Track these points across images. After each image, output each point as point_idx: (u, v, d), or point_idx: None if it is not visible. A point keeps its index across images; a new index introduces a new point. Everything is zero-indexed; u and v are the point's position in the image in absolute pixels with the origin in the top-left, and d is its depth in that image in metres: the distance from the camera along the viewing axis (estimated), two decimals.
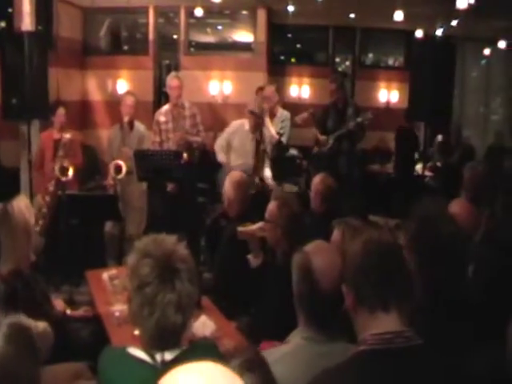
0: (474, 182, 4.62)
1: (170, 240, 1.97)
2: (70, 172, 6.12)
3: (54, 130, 6.44)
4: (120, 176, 6.37)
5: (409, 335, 1.76)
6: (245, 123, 6.50)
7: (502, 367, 1.95)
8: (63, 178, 6.09)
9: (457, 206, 3.74)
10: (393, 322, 1.77)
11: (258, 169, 6.36)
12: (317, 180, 4.87)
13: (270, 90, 7.03)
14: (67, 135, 6.23)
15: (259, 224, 3.82)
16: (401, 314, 1.78)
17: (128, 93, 7.04)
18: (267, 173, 6.45)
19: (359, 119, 7.14)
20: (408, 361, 1.72)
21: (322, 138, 7.04)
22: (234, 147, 6.54)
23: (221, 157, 6.64)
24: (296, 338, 2.27)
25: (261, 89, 7.74)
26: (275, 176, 6.58)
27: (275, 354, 2.17)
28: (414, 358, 1.73)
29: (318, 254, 2.30)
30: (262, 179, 6.39)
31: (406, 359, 1.72)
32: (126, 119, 6.59)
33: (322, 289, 2.21)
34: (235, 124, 6.64)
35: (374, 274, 1.79)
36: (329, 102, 7.60)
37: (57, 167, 6.13)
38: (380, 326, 1.77)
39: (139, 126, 6.81)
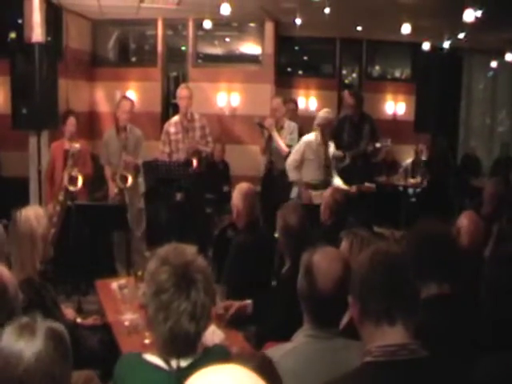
0: (495, 198, 4.66)
1: (190, 250, 2.01)
2: (80, 182, 6.16)
3: (65, 139, 6.47)
4: (126, 185, 6.38)
5: (413, 348, 1.76)
6: (316, 136, 6.46)
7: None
8: (72, 188, 6.13)
9: (466, 220, 3.76)
10: (398, 334, 1.78)
11: (327, 180, 6.33)
12: (327, 193, 4.97)
13: (276, 102, 7.05)
14: (76, 145, 6.26)
15: None
16: (406, 326, 1.79)
17: (124, 98, 6.99)
18: (337, 182, 6.42)
19: (378, 145, 7.19)
20: (412, 373, 1.73)
21: (338, 153, 6.98)
22: (307, 161, 6.47)
23: (293, 175, 6.53)
24: (299, 337, 2.36)
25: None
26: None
27: (279, 352, 2.24)
28: (417, 371, 1.74)
29: (321, 255, 2.40)
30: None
31: (409, 372, 1.73)
32: (122, 124, 6.58)
33: (320, 288, 2.30)
34: (305, 138, 6.57)
35: (380, 286, 1.80)
36: (342, 115, 7.64)
37: (66, 177, 6.17)
38: (385, 338, 1.78)
39: (135, 130, 6.76)
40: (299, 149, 6.52)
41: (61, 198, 6.09)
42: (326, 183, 6.25)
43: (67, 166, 6.20)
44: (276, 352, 2.22)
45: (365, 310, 1.83)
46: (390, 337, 1.78)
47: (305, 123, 7.84)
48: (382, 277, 1.81)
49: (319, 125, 6.48)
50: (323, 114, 6.53)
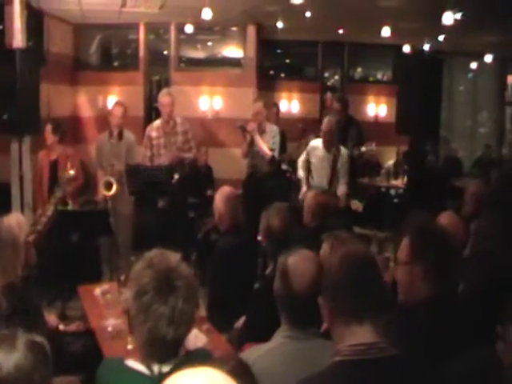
0: (477, 198, 4.72)
1: (174, 257, 2.04)
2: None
3: (51, 150, 6.46)
4: (110, 193, 6.38)
5: (382, 346, 1.80)
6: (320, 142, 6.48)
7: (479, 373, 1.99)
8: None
9: (445, 219, 3.80)
10: (367, 333, 1.81)
11: (332, 186, 6.32)
12: (309, 196, 4.99)
13: (258, 106, 7.03)
14: (71, 172, 6.17)
15: None
16: (375, 326, 1.83)
17: (117, 103, 6.97)
18: (341, 190, 6.39)
19: (363, 149, 7.22)
20: (381, 371, 1.77)
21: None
22: (312, 164, 6.54)
23: (299, 173, 6.68)
24: (277, 338, 2.40)
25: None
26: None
27: (256, 353, 2.29)
28: (387, 369, 1.78)
29: (296, 257, 2.46)
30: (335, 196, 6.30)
31: (378, 370, 1.77)
32: (115, 130, 6.60)
33: (295, 289, 2.35)
34: (312, 142, 6.63)
35: (349, 287, 1.84)
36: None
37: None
38: (355, 337, 1.81)
39: (128, 134, 6.77)
40: (306, 149, 6.68)
41: (53, 201, 6.03)
42: (330, 192, 6.23)
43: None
44: (253, 353, 2.26)
45: (335, 311, 1.88)
46: (359, 336, 1.81)
47: (287, 126, 7.88)
48: (350, 278, 1.85)
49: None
50: (324, 121, 6.52)
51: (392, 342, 1.82)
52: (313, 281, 2.35)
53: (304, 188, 6.54)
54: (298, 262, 2.44)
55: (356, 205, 6.37)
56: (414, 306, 2.46)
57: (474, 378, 1.96)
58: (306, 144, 7.01)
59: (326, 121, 6.47)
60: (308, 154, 6.60)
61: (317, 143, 6.52)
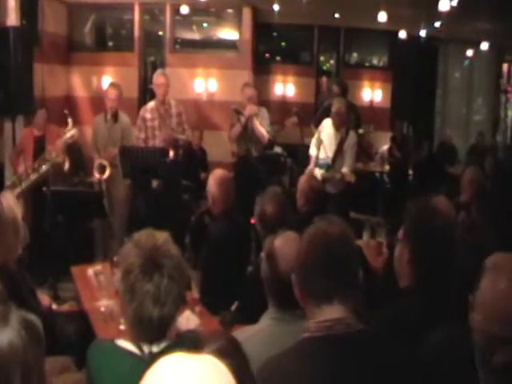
0: (473, 185, 4.73)
1: (161, 236, 2.05)
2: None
3: (35, 127, 6.43)
4: (104, 176, 6.37)
5: (349, 322, 1.83)
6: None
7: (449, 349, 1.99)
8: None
9: (437, 204, 3.81)
10: (335, 310, 1.84)
11: (335, 164, 6.53)
12: (302, 180, 4.98)
13: (250, 90, 7.01)
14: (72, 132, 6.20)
15: None
16: (344, 304, 1.85)
17: (112, 85, 6.88)
18: (344, 169, 6.54)
19: (361, 131, 7.26)
20: (347, 346, 1.81)
21: None
22: (322, 142, 6.72)
23: (310, 151, 6.86)
24: (265, 319, 2.42)
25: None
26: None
27: (243, 334, 2.31)
28: (353, 344, 1.81)
29: (281, 239, 2.48)
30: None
31: (344, 345, 1.81)
32: (110, 112, 6.54)
33: (281, 271, 2.35)
34: (325, 121, 6.79)
35: (318, 266, 1.86)
36: (326, 104, 7.70)
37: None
38: (323, 314, 1.85)
39: (123, 117, 6.73)
40: (319, 129, 6.86)
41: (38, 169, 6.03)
42: (334, 170, 6.49)
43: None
44: (240, 334, 2.27)
45: (305, 289, 1.91)
46: (327, 313, 1.84)
47: (282, 110, 7.88)
48: (319, 258, 1.87)
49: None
50: (334, 103, 6.75)
51: (384, 327, 1.84)
52: None
53: (311, 165, 6.72)
54: (283, 243, 2.45)
55: (349, 176, 6.44)
56: (403, 291, 2.47)
57: (444, 349, 1.97)
58: (291, 125, 7.11)
59: (335, 102, 6.71)
60: (319, 132, 6.78)
61: (329, 122, 6.71)
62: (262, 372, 1.85)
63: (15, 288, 3.18)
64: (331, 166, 6.49)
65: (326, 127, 6.71)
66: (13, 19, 6.68)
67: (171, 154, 6.26)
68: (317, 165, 6.62)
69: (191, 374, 1.03)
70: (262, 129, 6.80)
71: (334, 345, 1.81)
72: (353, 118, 7.41)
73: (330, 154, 6.59)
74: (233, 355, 1.72)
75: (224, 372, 1.07)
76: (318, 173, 6.41)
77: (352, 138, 6.67)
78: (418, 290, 2.38)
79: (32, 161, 6.21)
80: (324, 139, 6.69)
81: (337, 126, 6.59)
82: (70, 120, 6.14)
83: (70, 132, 6.13)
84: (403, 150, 9.34)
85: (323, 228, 1.99)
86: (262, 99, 8.38)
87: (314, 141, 6.86)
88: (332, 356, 1.80)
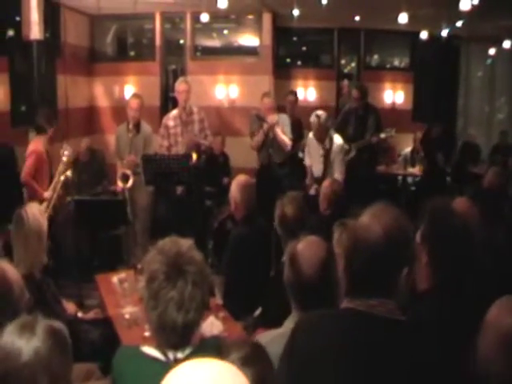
0: (495, 187, 4.69)
1: (185, 242, 2.06)
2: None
3: (48, 141, 6.14)
4: (127, 185, 6.43)
5: (391, 308, 1.84)
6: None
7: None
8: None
9: (460, 205, 3.77)
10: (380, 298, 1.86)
11: (326, 176, 6.40)
12: (325, 184, 5.00)
13: (269, 101, 6.97)
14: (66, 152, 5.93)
15: None
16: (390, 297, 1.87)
17: (134, 96, 6.96)
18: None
19: (383, 135, 7.24)
20: (383, 330, 1.82)
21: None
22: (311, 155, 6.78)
23: (306, 159, 6.96)
24: (288, 323, 2.43)
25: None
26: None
27: (267, 337, 2.35)
28: (389, 330, 1.82)
29: (304, 243, 2.49)
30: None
31: (382, 328, 1.82)
32: (132, 122, 6.61)
33: (303, 275, 2.38)
34: (310, 134, 6.79)
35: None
36: (347, 108, 7.68)
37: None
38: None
39: (145, 126, 6.82)
40: (307, 142, 6.89)
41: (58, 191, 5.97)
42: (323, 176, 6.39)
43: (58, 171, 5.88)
44: (264, 338, 2.29)
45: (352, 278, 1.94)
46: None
47: (303, 114, 7.85)
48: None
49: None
50: (311, 118, 6.64)
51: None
52: (321, 266, 2.38)
53: (309, 176, 6.79)
54: (306, 247, 2.46)
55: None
56: (422, 293, 2.45)
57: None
58: None
59: (312, 117, 6.57)
60: (308, 146, 6.82)
61: (311, 136, 6.70)
62: (302, 324, 1.93)
63: (41, 296, 3.23)
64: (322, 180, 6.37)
65: (311, 140, 6.70)
66: (36, 32, 6.78)
67: (194, 157, 6.31)
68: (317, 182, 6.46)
69: (204, 379, 1.03)
70: (285, 137, 6.82)
71: (371, 323, 1.82)
72: (372, 122, 7.37)
73: (320, 166, 6.56)
74: (258, 362, 1.74)
75: (241, 380, 1.07)
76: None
77: (337, 146, 6.56)
78: (436, 293, 2.36)
79: (46, 181, 5.95)
80: (311, 152, 6.73)
81: (318, 139, 6.56)
82: (65, 145, 6.04)
83: (65, 153, 5.91)
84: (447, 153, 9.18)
85: (382, 220, 1.98)
86: (284, 104, 8.39)
87: (306, 152, 6.94)
88: (368, 333, 1.82)
